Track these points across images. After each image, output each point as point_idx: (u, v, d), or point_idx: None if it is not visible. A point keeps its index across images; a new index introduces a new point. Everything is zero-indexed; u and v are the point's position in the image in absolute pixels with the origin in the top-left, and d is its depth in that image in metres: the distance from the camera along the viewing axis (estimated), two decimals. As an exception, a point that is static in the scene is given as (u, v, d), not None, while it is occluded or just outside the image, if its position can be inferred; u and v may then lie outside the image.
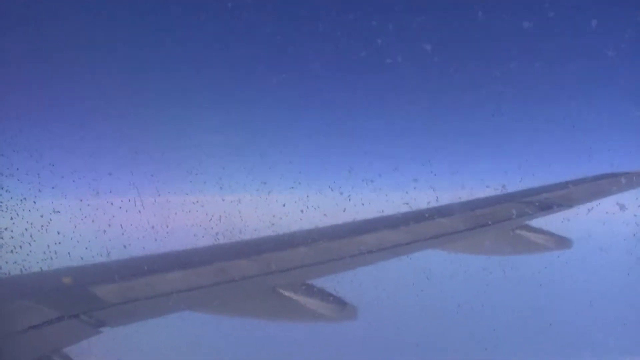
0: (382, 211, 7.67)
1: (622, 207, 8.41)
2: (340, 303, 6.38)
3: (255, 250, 6.66)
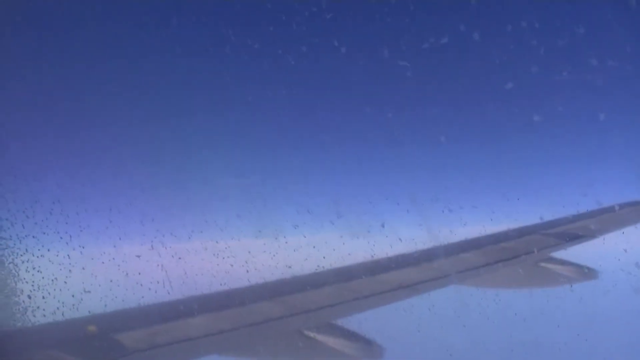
0: (404, 250, 7.63)
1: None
2: (366, 342, 6.29)
3: (277, 292, 6.60)
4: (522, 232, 8.11)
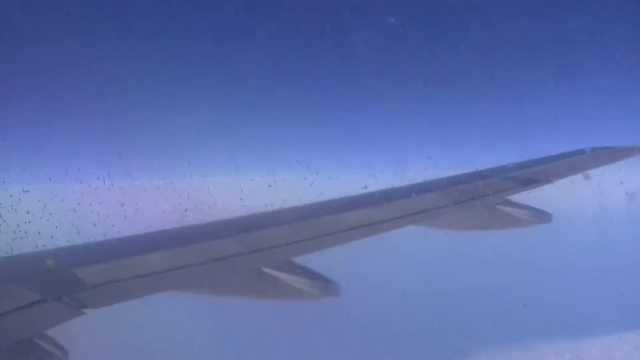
0: (364, 190, 7.70)
1: (587, 177, 8.54)
2: (324, 280, 6.36)
3: (238, 229, 6.63)
4: (480, 176, 8.23)
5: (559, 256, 61.61)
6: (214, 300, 6.62)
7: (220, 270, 6.12)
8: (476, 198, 7.60)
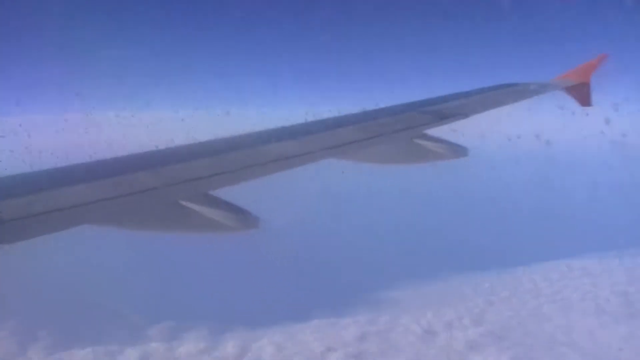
0: (284, 123, 7.70)
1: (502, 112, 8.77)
2: (242, 213, 6.30)
3: (156, 163, 6.53)
4: (398, 110, 8.31)
5: (474, 190, 63.49)
6: (132, 234, 6.42)
7: (137, 204, 5.99)
8: (394, 132, 7.69)
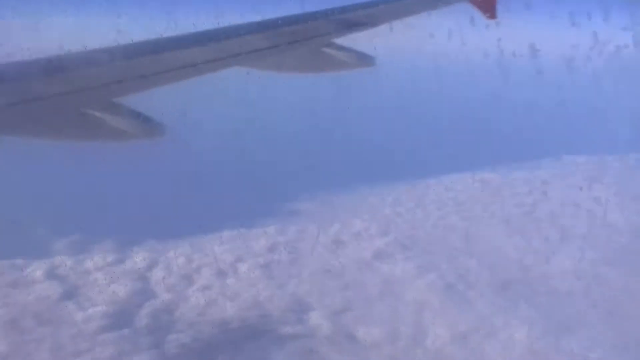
0: (190, 30, 7.49)
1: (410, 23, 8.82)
2: (148, 121, 6.30)
3: (57, 69, 6.27)
4: (305, 18, 8.22)
5: (381, 99, 64.23)
6: (34, 143, 6.38)
7: (39, 112, 5.79)
8: (301, 40, 7.63)
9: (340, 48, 7.72)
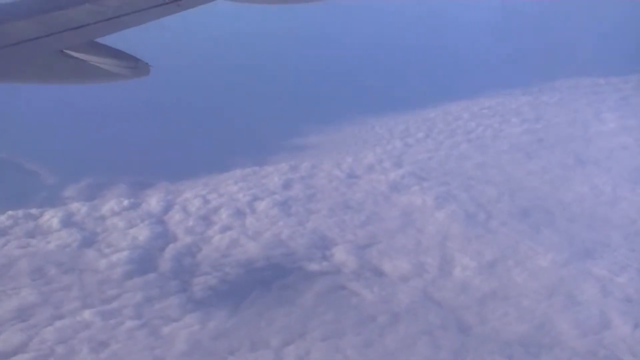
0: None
1: None
2: (132, 60, 6.28)
3: (35, 10, 5.82)
4: None
5: (372, 31, 62.83)
6: (17, 87, 6.35)
7: (19, 55, 5.55)
8: None
9: None
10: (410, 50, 57.29)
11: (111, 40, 6.16)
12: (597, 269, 26.90)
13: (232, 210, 30.33)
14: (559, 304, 24.74)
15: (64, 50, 5.93)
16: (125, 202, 30.33)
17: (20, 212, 28.57)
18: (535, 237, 29.01)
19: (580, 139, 40.24)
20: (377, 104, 44.98)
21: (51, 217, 28.57)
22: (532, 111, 44.78)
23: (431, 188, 33.14)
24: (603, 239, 29.15)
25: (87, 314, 22.99)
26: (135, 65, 6.25)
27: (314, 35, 58.11)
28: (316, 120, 41.47)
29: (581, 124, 42.95)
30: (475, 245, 28.25)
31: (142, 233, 28.07)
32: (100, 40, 6.14)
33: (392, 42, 59.26)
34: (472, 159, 37.38)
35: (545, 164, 36.61)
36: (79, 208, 29.57)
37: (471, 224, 29.97)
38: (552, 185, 34.20)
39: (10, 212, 28.36)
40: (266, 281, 25.48)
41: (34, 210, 28.89)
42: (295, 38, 56.97)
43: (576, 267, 26.94)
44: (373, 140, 39.53)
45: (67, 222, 28.45)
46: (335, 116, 42.26)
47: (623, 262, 27.38)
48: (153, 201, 30.73)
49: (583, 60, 53.86)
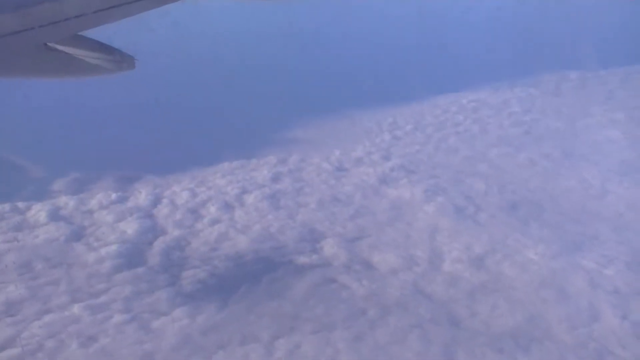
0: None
1: None
2: (118, 53, 6.26)
3: (17, 3, 5.72)
4: None
5: (367, 26, 62.91)
6: (2, 82, 6.37)
7: (2, 49, 5.46)
8: None
9: None
10: (399, 44, 57.28)
11: (96, 34, 6.09)
12: (586, 261, 26.95)
13: (220, 204, 30.20)
14: (548, 297, 24.77)
15: (48, 44, 5.85)
16: (113, 196, 30.13)
17: (7, 206, 28.34)
18: (525, 230, 29.05)
19: (568, 132, 40.32)
20: (365, 97, 44.95)
21: (38, 211, 28.34)
22: (520, 104, 44.88)
23: (420, 181, 33.14)
24: (592, 232, 29.23)
25: (75, 308, 22.80)
26: (120, 59, 6.22)
27: (303, 30, 57.96)
28: (304, 114, 41.36)
29: (569, 117, 43.02)
30: (465, 238, 28.26)
31: (131, 227, 27.90)
32: (85, 33, 6.06)
33: (380, 36, 59.20)
34: (461, 152, 37.43)
35: (534, 157, 36.68)
36: (66, 202, 29.35)
37: (460, 217, 29.99)
38: (540, 178, 34.28)
39: (-3, 207, 28.14)
40: (256, 275, 25.37)
41: (20, 204, 28.65)
42: (284, 33, 56.77)
43: (565, 260, 26.98)
44: (361, 134, 39.49)
45: (55, 215, 28.23)
46: (323, 110, 42.17)
47: (611, 254, 27.44)
48: (141, 195, 30.56)
49: (570, 54, 53.99)
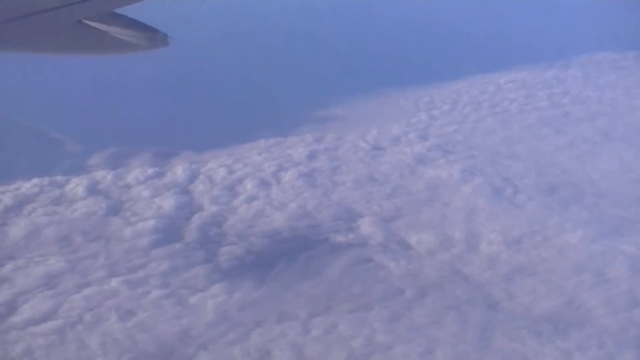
0: None
1: None
2: (151, 30, 6.28)
3: None
4: None
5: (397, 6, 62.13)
6: (37, 57, 6.39)
7: (39, 26, 5.56)
8: None
9: None
10: (436, 22, 56.51)
11: (130, 11, 6.08)
12: (626, 245, 26.53)
13: (257, 181, 30.17)
14: (588, 281, 24.45)
15: (83, 21, 5.90)
16: (150, 171, 30.26)
17: (45, 180, 28.60)
18: (563, 213, 28.65)
19: (609, 114, 39.61)
20: (402, 76, 44.50)
21: (77, 185, 28.57)
22: (558, 85, 44.11)
23: (457, 161, 32.80)
24: (632, 216, 28.74)
25: (114, 282, 23.01)
26: (153, 36, 6.23)
27: (339, 8, 57.42)
28: (341, 92, 41.06)
29: (608, 98, 42.24)
30: (503, 220, 27.96)
31: (167, 202, 28.01)
32: (119, 11, 6.11)
33: (419, 14, 58.42)
34: (498, 132, 36.94)
35: (573, 139, 36.11)
36: (104, 176, 29.55)
37: (498, 198, 29.65)
38: (580, 160, 33.74)
39: (35, 180, 28.40)
40: (292, 252, 25.35)
41: (59, 178, 28.90)
42: (320, 10, 56.34)
43: (605, 244, 26.59)
44: (398, 113, 39.12)
45: (93, 190, 28.44)
46: (360, 88, 41.83)
47: (652, 239, 27.00)
48: (178, 170, 30.65)
49: (611, 35, 52.82)
